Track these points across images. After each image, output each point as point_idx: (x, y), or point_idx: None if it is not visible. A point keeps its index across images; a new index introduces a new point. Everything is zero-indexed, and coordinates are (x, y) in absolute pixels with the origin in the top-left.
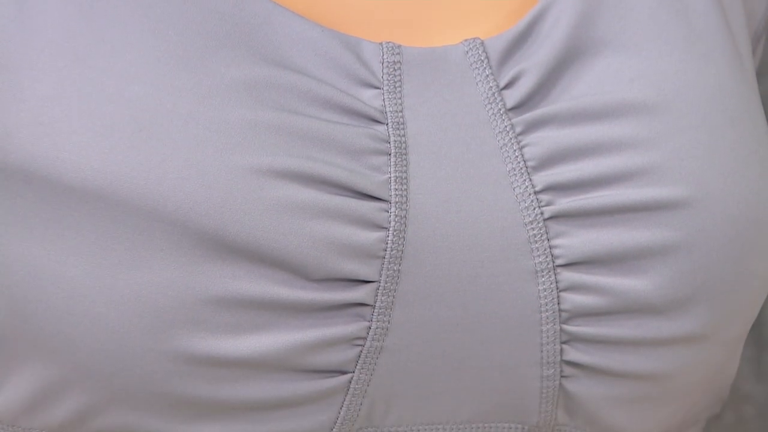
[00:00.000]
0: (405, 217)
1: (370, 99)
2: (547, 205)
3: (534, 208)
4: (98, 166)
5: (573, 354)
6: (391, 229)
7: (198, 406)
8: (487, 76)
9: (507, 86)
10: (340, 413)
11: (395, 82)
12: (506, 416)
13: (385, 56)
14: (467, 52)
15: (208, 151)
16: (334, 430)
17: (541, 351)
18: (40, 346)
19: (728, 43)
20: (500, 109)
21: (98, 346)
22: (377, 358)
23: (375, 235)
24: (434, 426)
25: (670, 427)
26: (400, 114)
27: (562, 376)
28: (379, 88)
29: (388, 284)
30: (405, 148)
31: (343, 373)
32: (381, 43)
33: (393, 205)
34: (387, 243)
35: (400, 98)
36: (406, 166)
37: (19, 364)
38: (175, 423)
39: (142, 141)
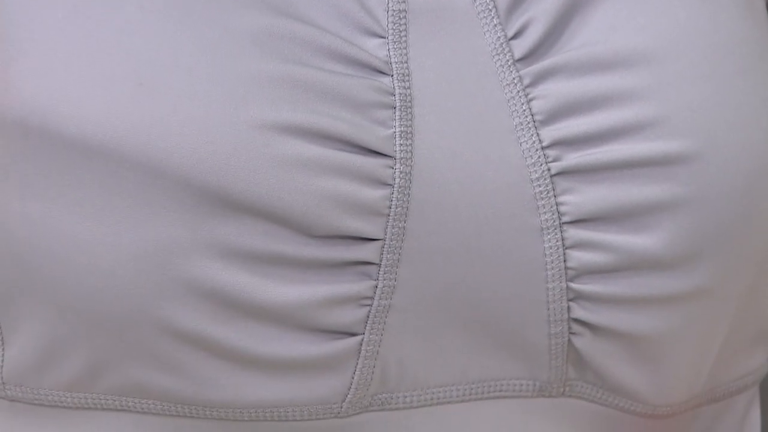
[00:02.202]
0: (410, 173)
1: (374, 49)
2: (555, 160)
3: (541, 164)
4: (98, 120)
5: (580, 312)
6: (395, 185)
7: (209, 353)
8: (495, 25)
9: (515, 36)
10: (353, 377)
11: (400, 31)
12: (518, 373)
13: (390, 4)
14: (474, 0)
15: (211, 105)
16: (348, 395)
17: (548, 309)
18: (45, 304)
19: None
20: (508, 61)
21: (104, 301)
22: (386, 317)
23: (379, 192)
24: (447, 387)
25: (692, 390)
26: (405, 65)
27: (570, 333)
28: (384, 38)
29: (394, 242)
30: (410, 101)
31: (353, 334)
32: None
33: (398, 161)
34: (391, 200)
35: (405, 48)
36: (411, 119)
37: (24, 323)
38: (185, 379)
39: (144, 95)
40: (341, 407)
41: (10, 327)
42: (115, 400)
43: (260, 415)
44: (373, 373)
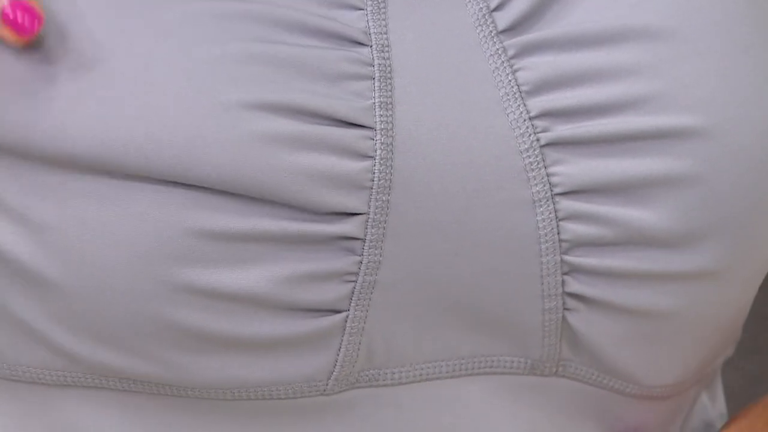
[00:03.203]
0: (391, 144)
1: (352, 21)
2: (543, 131)
3: (529, 135)
4: (53, 120)
5: (575, 285)
6: (377, 157)
7: (191, 341)
8: None
9: (497, 8)
10: (339, 354)
11: (379, 2)
12: (509, 350)
13: None
14: None
15: (169, 90)
16: (334, 373)
17: (542, 283)
18: (22, 284)
19: None
20: (491, 32)
21: (84, 282)
22: (371, 293)
23: (360, 165)
24: (437, 363)
25: (687, 372)
26: (384, 36)
27: (565, 309)
28: (363, 9)
29: (378, 216)
30: (390, 72)
31: (338, 311)
32: None
33: (378, 132)
34: (374, 173)
35: (384, 20)
36: (391, 90)
37: (3, 297)
38: (168, 363)
39: (96, 87)
40: (327, 384)
41: None
42: (95, 379)
43: (244, 395)
44: (358, 349)
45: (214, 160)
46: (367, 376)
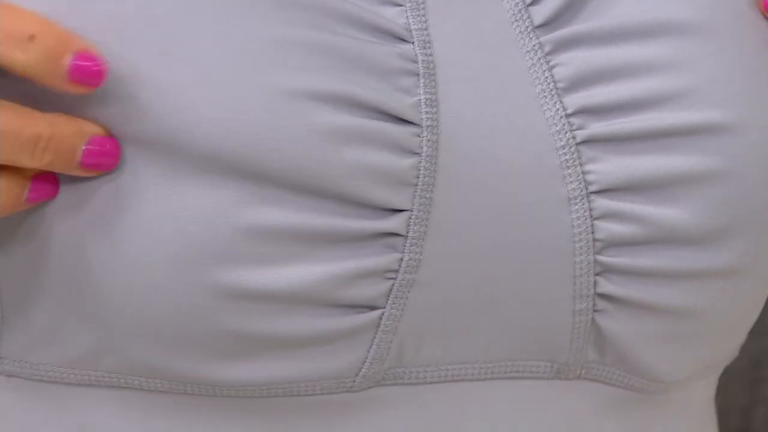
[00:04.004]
0: (437, 141)
1: (393, 17)
2: (579, 128)
3: (566, 132)
4: (120, 93)
5: (607, 286)
6: (423, 154)
7: (228, 342)
8: None
9: (533, 2)
10: (369, 351)
11: None
12: (536, 354)
13: None
14: None
15: (238, 72)
16: (363, 369)
17: (574, 284)
18: (56, 279)
19: None
20: (527, 27)
21: (123, 277)
22: (408, 292)
23: (408, 162)
24: (464, 365)
25: (698, 367)
26: (425, 32)
27: (594, 311)
28: (402, 6)
29: (421, 213)
30: (433, 69)
31: (374, 308)
32: None
33: (425, 129)
34: (420, 170)
35: (424, 15)
36: (435, 87)
37: (29, 307)
38: (203, 362)
39: (167, 64)
40: (354, 381)
41: (13, 309)
42: (120, 378)
43: (272, 392)
44: (389, 348)
45: (277, 147)
46: (393, 373)
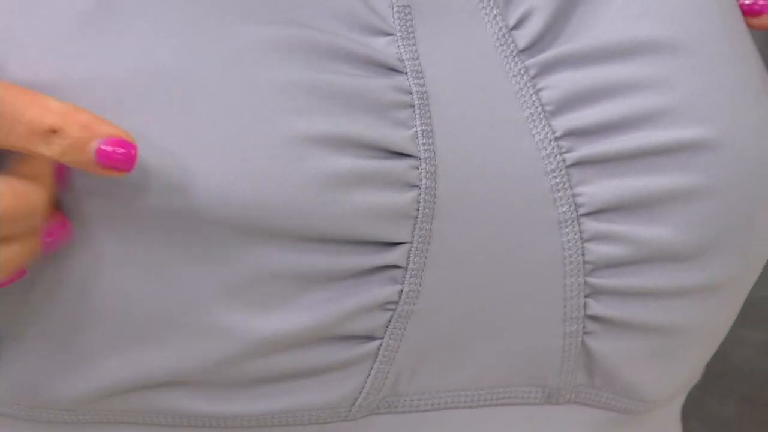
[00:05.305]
0: (435, 173)
1: (383, 47)
2: (568, 151)
3: (556, 156)
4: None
5: (596, 308)
6: (422, 186)
7: (227, 379)
8: (495, 16)
9: (516, 26)
10: (366, 382)
11: (408, 27)
12: (527, 380)
13: (394, 0)
14: None
15: (246, 118)
16: (359, 399)
17: (564, 306)
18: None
19: None
20: (512, 51)
21: (128, 321)
22: (407, 322)
23: (408, 195)
24: (457, 392)
25: (680, 383)
26: (417, 62)
27: (584, 333)
28: (392, 35)
29: (421, 245)
30: (427, 99)
31: (372, 339)
32: None
33: (422, 160)
34: (419, 202)
35: (414, 45)
36: (430, 118)
37: (25, 340)
38: (201, 400)
39: (176, 113)
40: (350, 411)
41: (8, 352)
42: (123, 415)
43: (269, 422)
44: (386, 378)
45: (284, 194)
46: (388, 402)
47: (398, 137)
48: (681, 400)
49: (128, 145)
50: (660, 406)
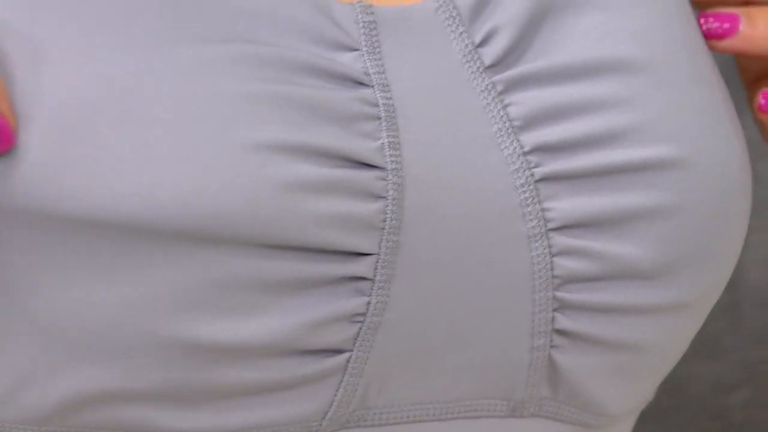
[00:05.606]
0: (402, 184)
1: (350, 62)
2: (537, 166)
3: (524, 170)
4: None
5: (564, 322)
6: (389, 197)
7: (193, 392)
8: (461, 33)
9: (482, 44)
10: (336, 395)
11: (373, 42)
12: (493, 392)
13: (359, 16)
14: (438, 8)
15: (205, 127)
16: (329, 413)
17: (533, 320)
18: (23, 332)
19: None
20: (479, 68)
21: (90, 331)
22: (375, 335)
23: (375, 206)
24: (425, 405)
25: (642, 400)
26: (383, 76)
27: (551, 347)
28: (358, 50)
29: (388, 256)
30: (394, 112)
31: (341, 352)
32: (353, 4)
33: (390, 172)
34: (386, 213)
35: (380, 59)
36: (397, 130)
37: None
38: (167, 411)
39: (129, 125)
40: (320, 425)
41: None
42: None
43: None
44: (356, 390)
45: (245, 203)
46: (357, 416)
47: (364, 148)
48: (636, 415)
49: (3, 123)
50: (620, 420)
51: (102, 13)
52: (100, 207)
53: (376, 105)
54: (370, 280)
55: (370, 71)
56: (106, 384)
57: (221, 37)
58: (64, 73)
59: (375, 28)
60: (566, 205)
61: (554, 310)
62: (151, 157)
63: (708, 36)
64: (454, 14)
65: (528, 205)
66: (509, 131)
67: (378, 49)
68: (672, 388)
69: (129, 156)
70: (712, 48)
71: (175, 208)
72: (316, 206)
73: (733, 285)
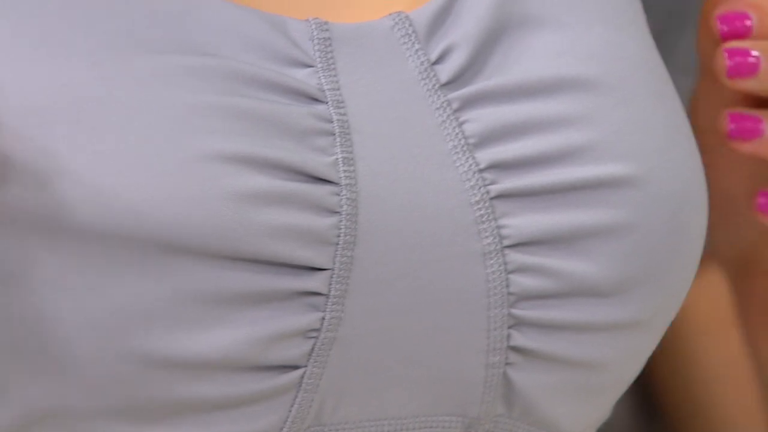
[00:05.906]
0: (356, 200)
1: (305, 78)
2: (492, 183)
3: (480, 187)
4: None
5: (519, 339)
6: (343, 213)
7: (150, 407)
8: (417, 50)
9: (438, 61)
10: (291, 411)
11: (328, 59)
12: (448, 409)
13: (314, 33)
14: (393, 26)
15: (154, 137)
16: (284, 429)
17: (488, 337)
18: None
19: (640, 16)
20: (434, 85)
21: (43, 347)
22: (330, 350)
23: (328, 221)
24: (380, 422)
25: (598, 419)
26: (338, 92)
27: (506, 364)
28: (313, 66)
29: (342, 272)
30: (348, 128)
31: (295, 368)
32: (308, 20)
33: (344, 187)
34: (340, 228)
35: (335, 76)
36: (351, 146)
37: None
38: (123, 427)
39: (81, 133)
40: None
41: None
42: None
43: None
44: (311, 406)
45: (195, 212)
46: None
47: (318, 162)
48: None
49: None
50: None
51: (56, 21)
52: (51, 216)
53: (330, 121)
54: (324, 295)
55: (325, 87)
56: (61, 400)
57: (177, 49)
58: (14, 79)
59: (330, 45)
60: (521, 222)
61: (509, 327)
62: (102, 165)
63: (731, 136)
64: (409, 31)
65: (483, 222)
66: (464, 148)
67: (333, 66)
68: None
69: (80, 163)
70: (736, 150)
71: (126, 217)
72: (269, 218)
73: None
